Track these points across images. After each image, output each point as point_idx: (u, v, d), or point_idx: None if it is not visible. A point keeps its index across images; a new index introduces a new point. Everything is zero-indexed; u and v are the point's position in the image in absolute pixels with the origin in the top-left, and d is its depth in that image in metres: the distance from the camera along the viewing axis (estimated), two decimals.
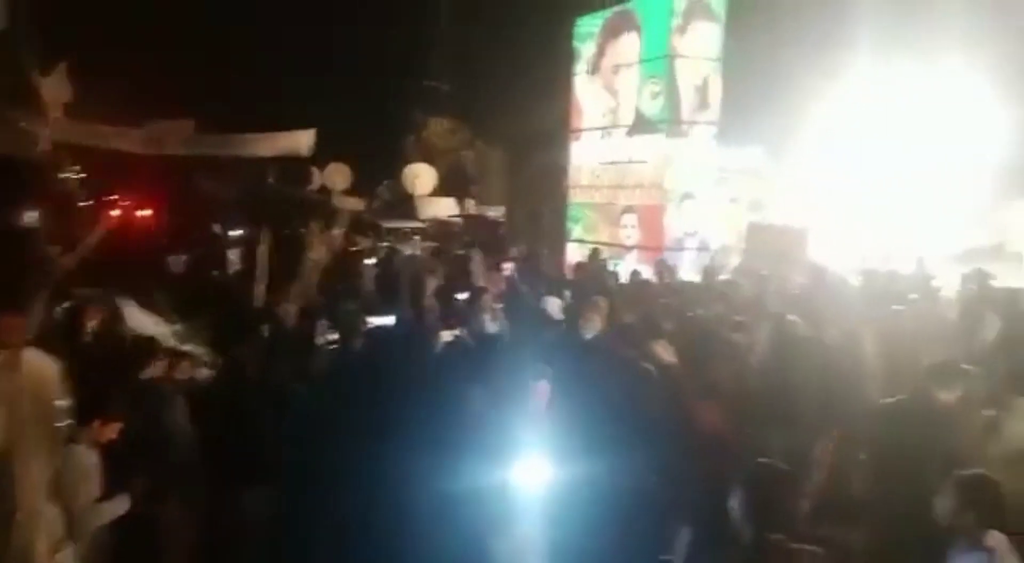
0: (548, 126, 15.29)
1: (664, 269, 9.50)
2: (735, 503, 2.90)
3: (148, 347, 4.77)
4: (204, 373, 5.15)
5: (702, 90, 11.42)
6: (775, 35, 13.23)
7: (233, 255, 12.34)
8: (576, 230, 13.27)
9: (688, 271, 10.64)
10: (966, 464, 3.48)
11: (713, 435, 4.44)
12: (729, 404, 4.83)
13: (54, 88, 13.41)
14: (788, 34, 13.08)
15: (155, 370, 4.62)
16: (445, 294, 7.57)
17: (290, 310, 6.58)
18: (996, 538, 3.20)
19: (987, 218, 15.31)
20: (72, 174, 20.09)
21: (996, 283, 9.32)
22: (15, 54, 13.48)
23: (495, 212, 19.98)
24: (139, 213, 19.50)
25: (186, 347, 5.31)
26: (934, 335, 6.38)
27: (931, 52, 13.19)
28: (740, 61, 11.91)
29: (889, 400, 4.65)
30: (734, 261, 12.51)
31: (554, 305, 7.15)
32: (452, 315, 6.82)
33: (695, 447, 4.34)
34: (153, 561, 4.21)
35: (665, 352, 5.11)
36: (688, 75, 11.36)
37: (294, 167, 19.94)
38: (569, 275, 10.64)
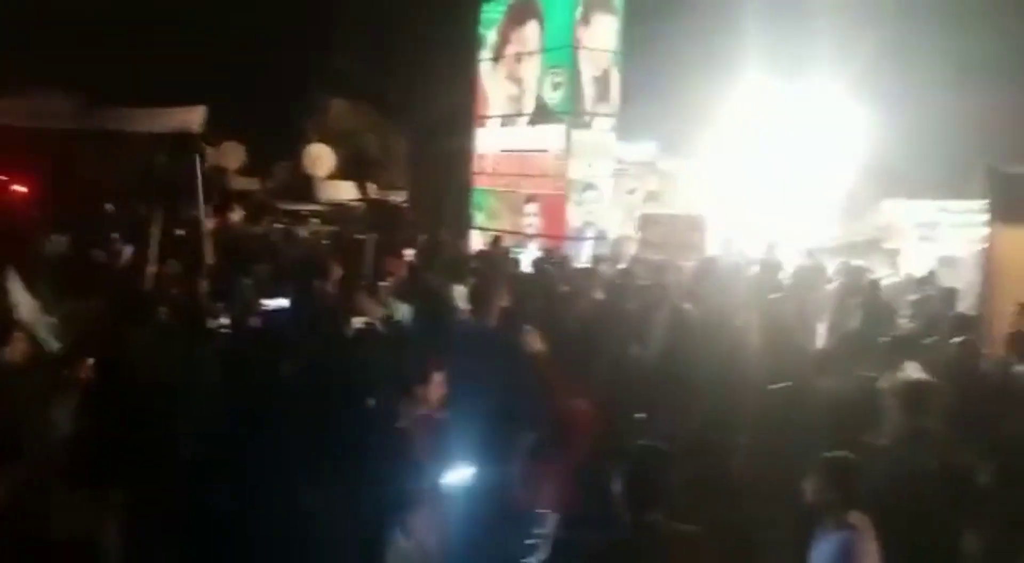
0: (453, 111, 15.23)
1: (560, 258, 9.72)
2: (616, 485, 3.01)
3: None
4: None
5: (602, 82, 11.65)
6: (669, 31, 13.62)
7: (118, 235, 11.81)
8: (479, 217, 13.31)
9: (587, 260, 10.87)
10: (841, 447, 3.72)
11: (581, 420, 4.52)
12: (613, 390, 4.99)
13: None
14: (682, 32, 13.48)
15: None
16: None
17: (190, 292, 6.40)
18: (859, 518, 3.43)
19: (864, 215, 16.30)
20: None
21: (873, 275, 10.02)
22: None
23: (397, 197, 19.77)
24: (14, 188, 18.26)
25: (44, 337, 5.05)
26: (809, 322, 6.78)
27: (810, 61, 13.94)
28: (636, 56, 12.19)
29: (774, 386, 4.92)
30: (630, 250, 12.87)
31: (459, 293, 7.17)
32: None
33: (562, 433, 4.41)
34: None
35: (534, 340, 5.17)
36: (589, 66, 11.55)
37: (185, 145, 19.13)
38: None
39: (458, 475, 4.14)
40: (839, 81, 14.53)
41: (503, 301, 6.15)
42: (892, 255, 14.43)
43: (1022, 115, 13.80)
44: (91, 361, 4.80)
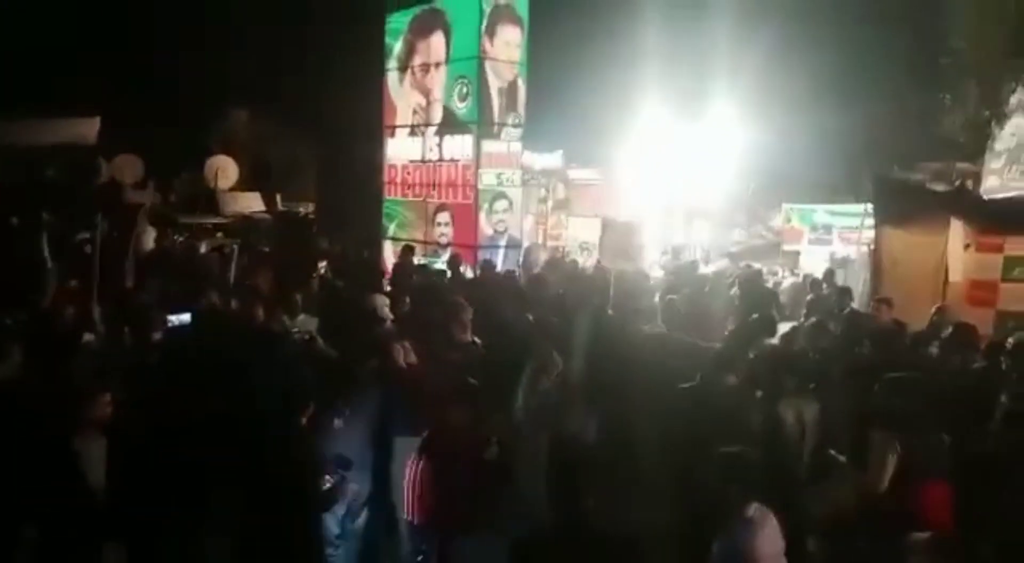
0: (360, 121, 15.08)
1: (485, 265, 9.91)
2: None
3: None
4: None
5: (509, 93, 11.76)
6: (574, 44, 13.94)
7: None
8: (391, 228, 13.21)
9: (502, 267, 10.96)
10: (741, 441, 3.86)
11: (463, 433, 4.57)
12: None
13: None
14: (585, 45, 13.83)
15: None
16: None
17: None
18: (757, 509, 3.56)
19: (764, 219, 17.04)
20: None
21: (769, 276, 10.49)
22: None
23: (305, 208, 19.41)
24: None
25: None
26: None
27: (709, 81, 14.57)
28: (541, 67, 12.39)
29: (684, 385, 5.08)
30: (543, 257, 13.04)
31: (381, 302, 7.13)
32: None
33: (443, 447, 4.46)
34: None
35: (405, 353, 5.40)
36: (495, 78, 11.65)
37: (78, 158, 18.28)
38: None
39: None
40: (735, 101, 15.21)
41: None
42: (792, 257, 15.11)
43: (904, 122, 14.70)
44: None
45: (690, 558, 3.78)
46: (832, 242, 14.74)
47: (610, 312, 7.37)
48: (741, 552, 3.43)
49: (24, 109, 17.15)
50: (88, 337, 5.81)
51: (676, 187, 15.10)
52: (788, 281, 12.01)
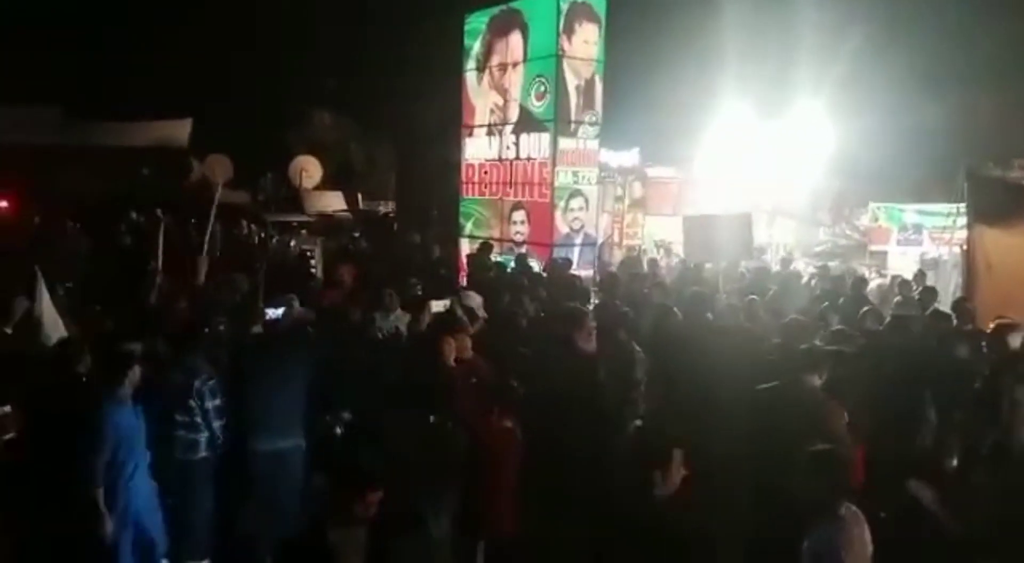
0: (439, 121, 15.31)
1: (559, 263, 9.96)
2: None
3: None
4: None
5: (586, 91, 11.72)
6: (652, 42, 13.79)
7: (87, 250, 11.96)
8: (468, 226, 13.36)
9: (578, 266, 10.97)
10: (829, 442, 3.79)
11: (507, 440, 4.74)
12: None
13: None
14: (665, 42, 13.66)
15: None
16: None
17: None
18: (847, 508, 3.49)
19: (850, 218, 16.47)
20: None
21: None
22: None
23: (385, 207, 19.80)
24: None
25: None
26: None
27: (792, 70, 14.15)
28: (619, 65, 12.30)
29: (764, 386, 4.99)
30: (618, 256, 12.95)
31: (478, 301, 7.29)
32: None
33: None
34: None
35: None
36: (573, 76, 11.63)
37: (172, 158, 19.10)
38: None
39: None
40: (821, 98, 14.75)
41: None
42: (879, 258, 14.59)
43: (999, 118, 14.00)
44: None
45: (771, 558, 3.74)
46: (922, 242, 14.17)
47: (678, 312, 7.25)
48: (833, 551, 3.39)
49: (121, 112, 18.01)
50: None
51: (758, 185, 14.74)
52: (875, 282, 11.62)
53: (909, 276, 10.84)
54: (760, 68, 14.46)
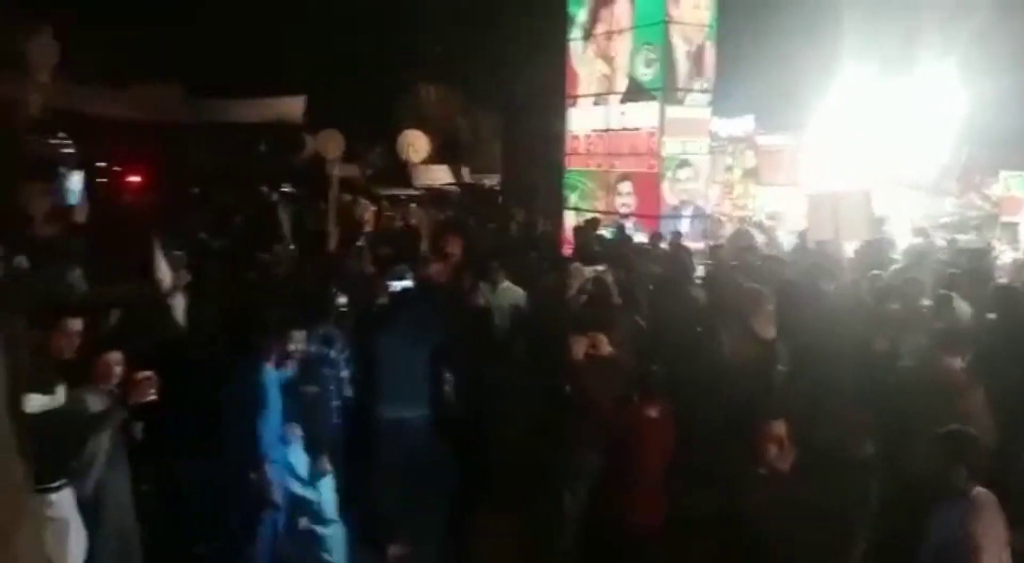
0: (543, 92, 15.17)
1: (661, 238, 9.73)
2: None
3: None
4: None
5: (696, 57, 11.36)
6: (766, 3, 13.16)
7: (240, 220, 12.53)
8: (573, 198, 13.25)
9: (687, 238, 10.71)
10: (965, 424, 3.58)
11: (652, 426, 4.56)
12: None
13: (41, 51, 13.23)
14: (779, 3, 13.01)
15: None
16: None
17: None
18: (979, 491, 3.31)
19: (980, 187, 15.40)
20: (59, 140, 19.84)
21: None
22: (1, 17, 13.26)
23: (490, 180, 19.89)
24: (129, 179, 19.28)
25: None
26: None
27: (917, 28, 13.21)
28: (732, 28, 11.83)
29: (903, 365, 4.77)
30: (728, 229, 12.57)
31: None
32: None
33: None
34: None
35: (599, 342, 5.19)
36: (683, 42, 11.28)
37: (286, 134, 19.75)
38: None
39: None
40: (950, 59, 13.74)
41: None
42: (1011, 230, 13.62)
43: None
44: None
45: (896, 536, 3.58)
46: None
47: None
48: (962, 533, 3.23)
49: (239, 89, 18.72)
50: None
51: (879, 153, 13.93)
52: (1008, 257, 10.85)
53: None
54: (883, 24, 13.55)
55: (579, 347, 5.07)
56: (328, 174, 18.99)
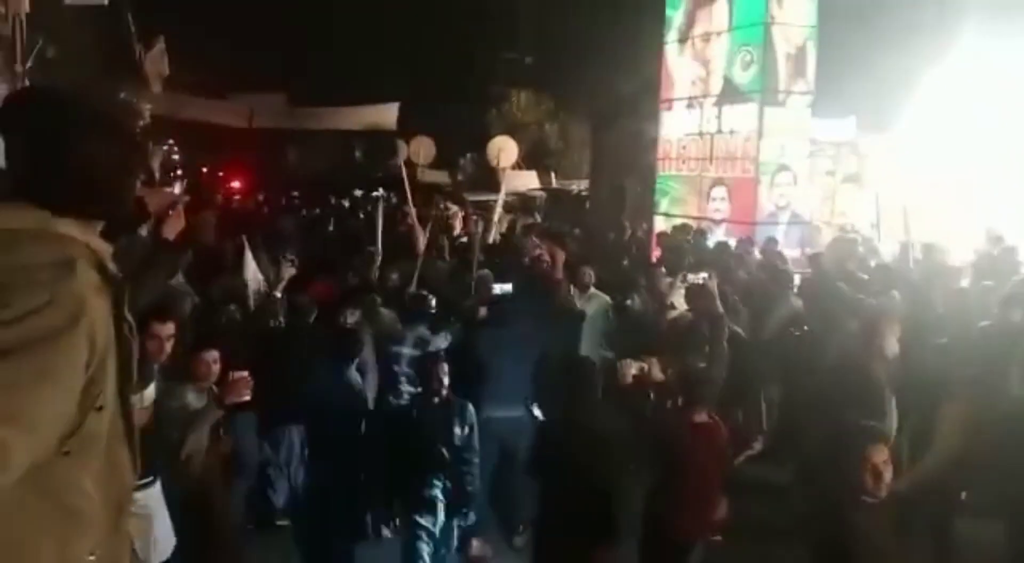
0: (634, 97, 14.99)
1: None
2: None
3: None
4: None
5: (797, 58, 10.96)
6: (868, 2, 12.59)
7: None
8: (663, 203, 13.00)
9: (784, 245, 10.33)
10: None
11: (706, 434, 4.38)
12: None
13: (155, 62, 13.92)
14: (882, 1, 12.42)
15: None
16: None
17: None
18: None
19: None
20: (168, 147, 20.81)
21: None
22: (119, 29, 14.01)
23: (578, 185, 19.79)
24: (232, 184, 20.10)
25: None
26: None
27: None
28: (834, 27, 11.37)
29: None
30: (827, 237, 12.05)
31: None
32: None
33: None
34: None
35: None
36: (783, 43, 10.92)
37: (380, 141, 20.17)
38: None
39: None
40: None
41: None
42: None
43: None
44: None
45: None
46: None
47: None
48: None
49: (338, 97, 19.27)
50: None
51: (991, 157, 13.08)
52: None
53: None
54: (994, 13, 12.70)
55: (628, 371, 5.03)
56: (418, 179, 19.32)
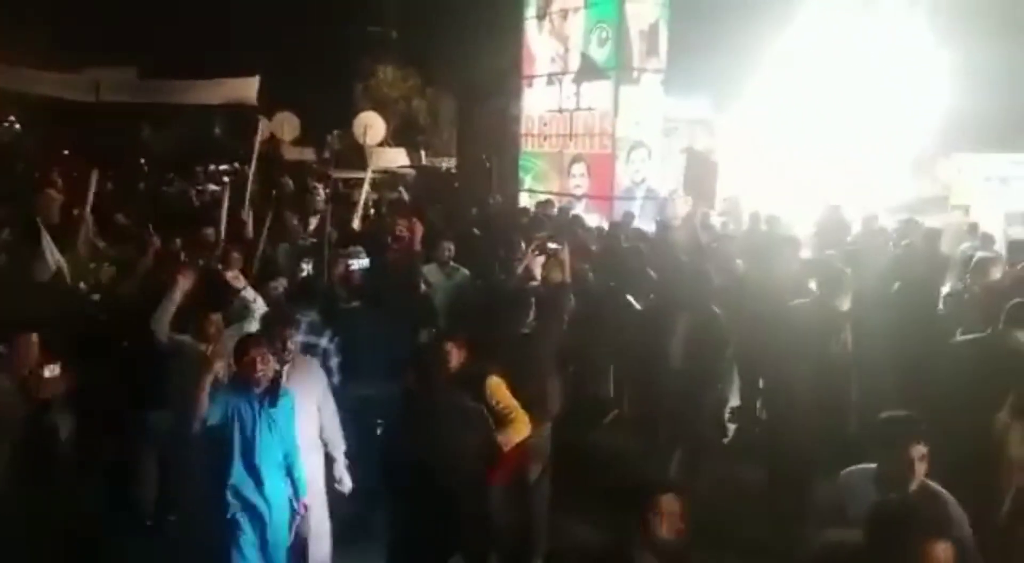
0: (499, 73, 15.05)
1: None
2: None
3: None
4: None
5: (650, 36, 11.31)
6: None
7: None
8: (527, 180, 13.17)
9: (640, 219, 10.65)
10: None
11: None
12: None
13: None
14: None
15: None
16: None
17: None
18: None
19: (932, 170, 15.51)
20: (6, 123, 19.32)
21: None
22: None
23: (447, 162, 19.74)
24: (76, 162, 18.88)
25: None
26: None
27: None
28: (685, 7, 11.78)
29: (968, 337, 4.76)
30: (682, 210, 12.53)
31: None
32: None
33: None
34: None
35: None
36: (636, 20, 11.22)
37: (240, 116, 19.40)
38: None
39: None
40: (913, 15, 13.66)
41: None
42: (963, 212, 13.74)
43: None
44: None
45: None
46: (1009, 195, 13.26)
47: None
48: None
49: (193, 71, 18.36)
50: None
51: (836, 131, 13.92)
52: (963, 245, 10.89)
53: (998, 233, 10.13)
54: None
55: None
56: (283, 157, 18.73)
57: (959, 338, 4.95)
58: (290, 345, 4.31)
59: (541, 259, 6.89)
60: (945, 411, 4.02)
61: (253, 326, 5.09)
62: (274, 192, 13.01)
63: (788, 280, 6.57)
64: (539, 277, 6.61)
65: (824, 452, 4.55)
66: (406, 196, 13.74)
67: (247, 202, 8.84)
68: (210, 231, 7.33)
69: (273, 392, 3.97)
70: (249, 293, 5.76)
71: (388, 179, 17.94)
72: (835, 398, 4.83)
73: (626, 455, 5.92)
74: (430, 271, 7.21)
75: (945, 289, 6.92)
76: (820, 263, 6.71)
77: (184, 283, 4.74)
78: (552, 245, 7.04)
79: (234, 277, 5.78)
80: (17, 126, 20.89)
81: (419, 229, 7.54)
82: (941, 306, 6.60)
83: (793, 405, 4.90)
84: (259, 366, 3.91)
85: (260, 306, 5.64)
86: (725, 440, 6.86)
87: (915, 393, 4.73)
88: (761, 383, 6.67)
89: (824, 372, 4.82)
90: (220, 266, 6.10)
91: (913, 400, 4.13)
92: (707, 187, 10.06)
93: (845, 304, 5.09)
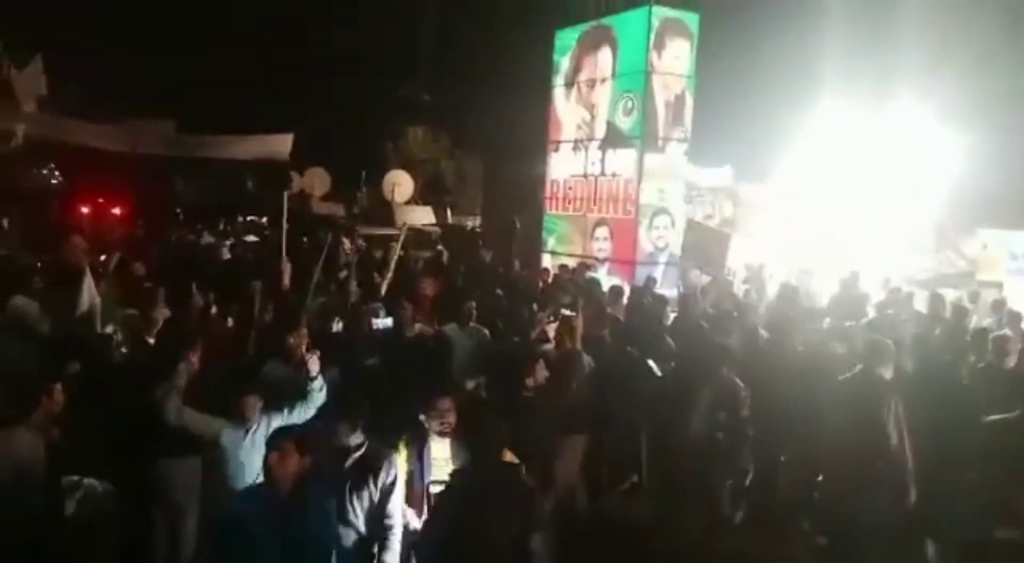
0: (526, 137, 15.35)
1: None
2: None
3: None
4: None
5: (675, 107, 11.54)
6: (745, 57, 13.39)
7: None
8: (551, 241, 13.31)
9: (662, 285, 10.71)
10: None
11: None
12: None
13: (28, 81, 13.32)
14: (758, 56, 13.25)
15: None
16: None
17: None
18: None
19: (956, 245, 15.48)
20: (46, 171, 19.87)
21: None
22: None
23: (472, 221, 19.98)
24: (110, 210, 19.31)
25: None
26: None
27: (895, 84, 13.42)
28: (710, 81, 12.05)
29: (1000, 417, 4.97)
30: (705, 278, 12.57)
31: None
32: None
33: None
34: None
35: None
36: (662, 91, 11.48)
37: (272, 171, 19.82)
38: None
39: None
40: (927, 105, 13.96)
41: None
42: (989, 288, 13.65)
43: None
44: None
45: None
46: None
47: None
48: None
49: (228, 126, 18.88)
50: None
51: (858, 205, 14.02)
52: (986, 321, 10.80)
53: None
54: (858, 73, 13.72)
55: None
56: (313, 211, 19.07)
57: (992, 418, 4.99)
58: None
59: (555, 325, 6.98)
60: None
61: (308, 413, 4.76)
62: (306, 243, 13.24)
63: (814, 356, 6.57)
64: (553, 341, 6.68)
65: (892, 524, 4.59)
66: (445, 256, 13.83)
67: (283, 255, 9.01)
68: (257, 284, 7.22)
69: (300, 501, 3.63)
70: (319, 381, 4.92)
71: (414, 236, 18.16)
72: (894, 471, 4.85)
73: (641, 524, 5.85)
74: (451, 330, 7.27)
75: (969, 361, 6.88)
76: (865, 332, 6.71)
77: (193, 362, 4.61)
78: (566, 312, 7.13)
79: (312, 360, 4.89)
80: (57, 174, 21.44)
81: (432, 290, 7.64)
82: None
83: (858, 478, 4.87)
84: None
85: (322, 395, 4.93)
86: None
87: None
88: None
89: (882, 444, 4.83)
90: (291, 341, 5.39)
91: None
92: (715, 257, 10.13)
93: (888, 373, 5.09)
